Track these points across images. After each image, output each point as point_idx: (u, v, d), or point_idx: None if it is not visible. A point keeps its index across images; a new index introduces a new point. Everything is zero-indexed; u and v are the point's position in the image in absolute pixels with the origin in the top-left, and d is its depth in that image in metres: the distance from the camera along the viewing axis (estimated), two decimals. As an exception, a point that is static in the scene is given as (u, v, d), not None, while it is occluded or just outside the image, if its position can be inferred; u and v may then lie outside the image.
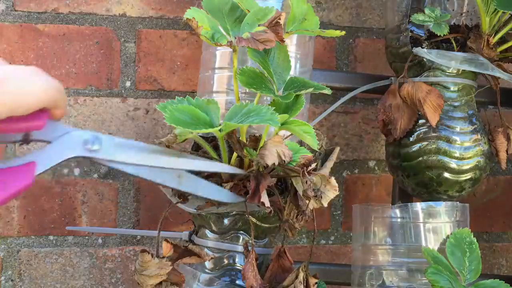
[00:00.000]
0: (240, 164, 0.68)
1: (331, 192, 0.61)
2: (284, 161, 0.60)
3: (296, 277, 0.68)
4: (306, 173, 0.61)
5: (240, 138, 0.65)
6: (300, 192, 0.62)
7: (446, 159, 0.85)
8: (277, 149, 0.60)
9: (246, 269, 0.67)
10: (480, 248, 0.74)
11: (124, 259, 1.00)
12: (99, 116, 0.99)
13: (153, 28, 1.00)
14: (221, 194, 0.65)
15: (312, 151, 0.68)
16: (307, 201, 0.64)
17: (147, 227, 1.00)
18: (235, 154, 0.67)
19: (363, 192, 1.09)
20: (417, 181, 0.87)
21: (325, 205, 0.62)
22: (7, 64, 0.40)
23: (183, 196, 0.69)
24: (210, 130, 0.57)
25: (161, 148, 0.60)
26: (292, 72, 0.76)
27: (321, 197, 0.61)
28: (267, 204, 0.62)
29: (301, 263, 0.71)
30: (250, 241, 0.71)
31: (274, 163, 0.59)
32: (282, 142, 0.60)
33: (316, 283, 0.68)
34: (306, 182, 0.61)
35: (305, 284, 0.68)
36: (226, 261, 0.74)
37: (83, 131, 0.55)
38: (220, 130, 0.60)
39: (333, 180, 0.62)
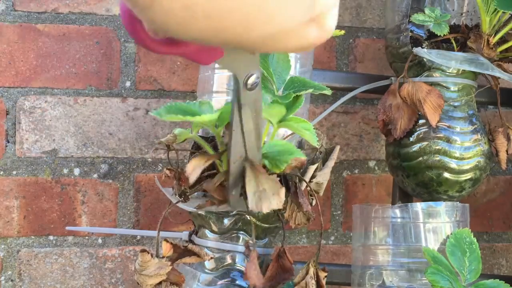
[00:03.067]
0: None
1: (275, 201, 0.54)
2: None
3: (307, 272, 0.68)
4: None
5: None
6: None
7: (446, 159, 0.85)
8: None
9: (248, 268, 0.67)
10: (480, 248, 0.74)
11: (124, 259, 1.00)
12: (99, 116, 0.98)
13: (153, 28, 1.00)
14: None
15: (313, 150, 0.68)
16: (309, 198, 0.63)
17: (147, 227, 1.00)
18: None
19: (363, 192, 1.08)
20: (417, 181, 0.87)
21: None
22: None
23: (184, 195, 0.69)
24: (203, 118, 0.56)
25: None
26: (292, 72, 0.76)
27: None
28: None
29: (301, 263, 0.71)
30: (251, 241, 0.71)
31: None
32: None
33: (325, 276, 0.68)
34: None
35: (316, 279, 0.68)
36: (226, 261, 0.74)
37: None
38: (216, 126, 0.60)
39: (282, 192, 0.55)
